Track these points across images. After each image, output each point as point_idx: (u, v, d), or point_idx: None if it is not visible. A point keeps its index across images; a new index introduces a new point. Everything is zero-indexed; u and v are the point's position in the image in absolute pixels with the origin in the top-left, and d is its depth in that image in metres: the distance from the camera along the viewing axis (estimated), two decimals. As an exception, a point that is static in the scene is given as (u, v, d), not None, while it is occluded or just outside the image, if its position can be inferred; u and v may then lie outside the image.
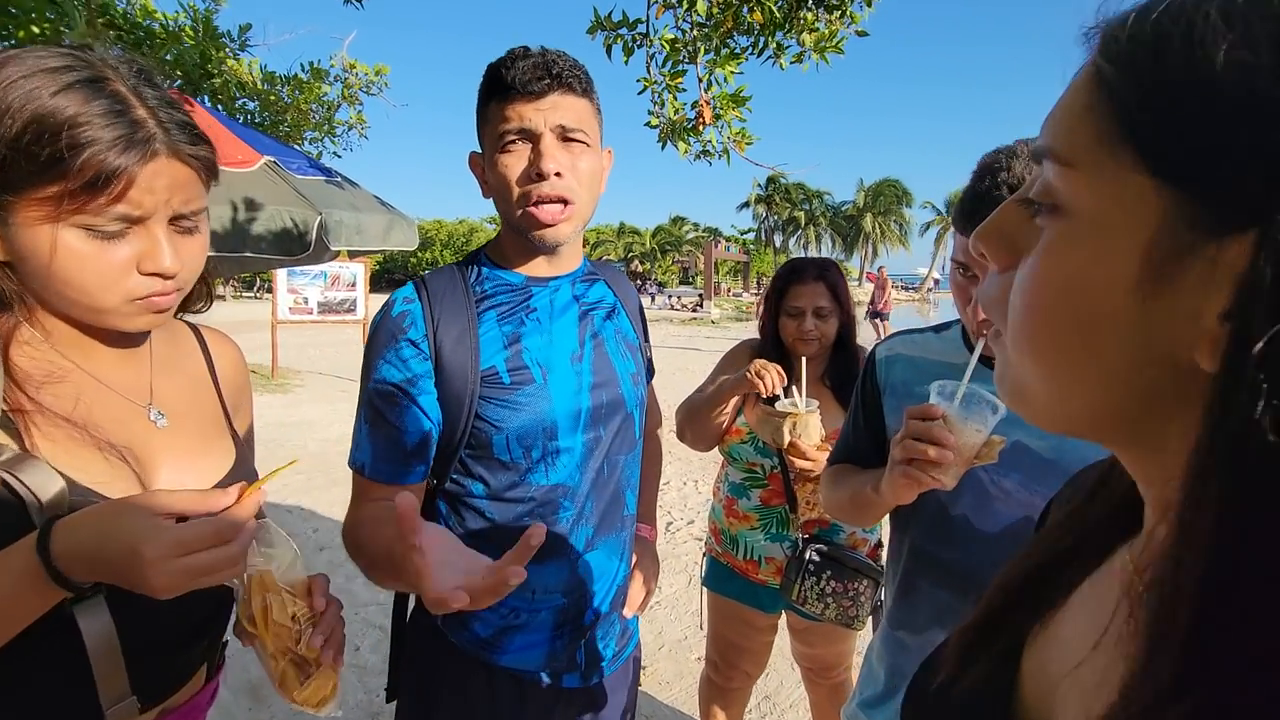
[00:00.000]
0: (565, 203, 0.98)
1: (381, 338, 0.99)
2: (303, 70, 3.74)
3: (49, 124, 0.61)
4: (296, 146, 3.80)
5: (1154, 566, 0.31)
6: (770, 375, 1.53)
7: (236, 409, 0.93)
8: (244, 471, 0.83)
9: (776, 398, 1.56)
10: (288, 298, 9.09)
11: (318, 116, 3.97)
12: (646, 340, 1.26)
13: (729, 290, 44.51)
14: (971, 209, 0.91)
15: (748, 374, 1.55)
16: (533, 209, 0.97)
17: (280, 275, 8.96)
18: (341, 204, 3.05)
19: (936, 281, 57.92)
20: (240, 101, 3.61)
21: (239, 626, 0.78)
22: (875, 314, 14.36)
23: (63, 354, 0.72)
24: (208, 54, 3.23)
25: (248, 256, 2.52)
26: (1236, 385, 0.24)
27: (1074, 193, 0.31)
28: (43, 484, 0.63)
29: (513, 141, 0.95)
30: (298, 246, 2.66)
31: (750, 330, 14.09)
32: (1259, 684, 0.24)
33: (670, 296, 36.31)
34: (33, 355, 0.69)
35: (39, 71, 0.63)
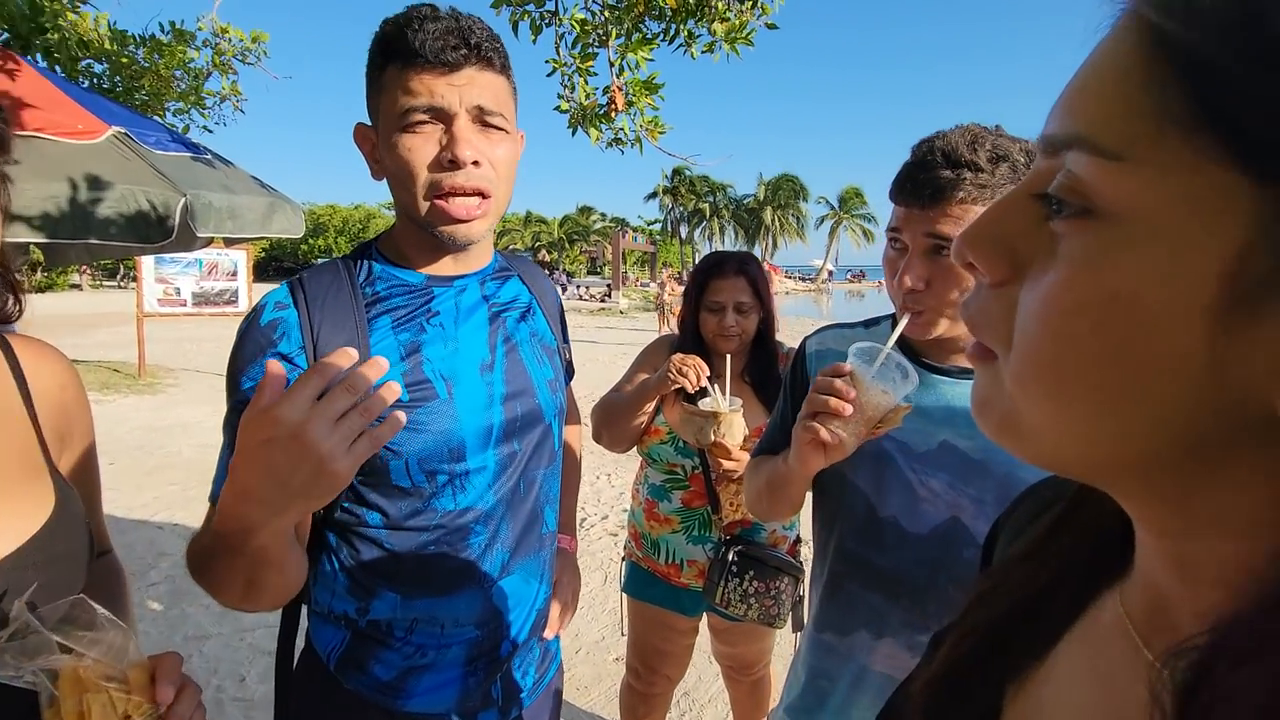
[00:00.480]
0: (482, 195, 0.86)
1: (247, 350, 0.84)
2: (163, 31, 3.30)
3: None
4: (156, 118, 3.36)
5: (1198, 647, 0.25)
6: (692, 371, 1.47)
7: (64, 438, 0.75)
8: (69, 518, 0.66)
9: (699, 396, 1.50)
10: (156, 288, 8.21)
11: (183, 85, 3.53)
12: (565, 341, 1.15)
13: (637, 280, 44.81)
14: (906, 175, 0.90)
15: (669, 371, 1.49)
16: (443, 201, 0.84)
17: (146, 263, 8.08)
18: (212, 185, 2.71)
19: (831, 273, 61.08)
20: (85, 63, 3.14)
21: None
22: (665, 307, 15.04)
23: None
24: (39, 5, 2.77)
25: (94, 243, 2.17)
26: None
27: (1126, 192, 0.24)
28: None
29: (421, 121, 0.82)
30: (157, 232, 2.33)
31: (656, 319, 14.24)
32: None
33: (579, 287, 36.13)
34: None
35: None
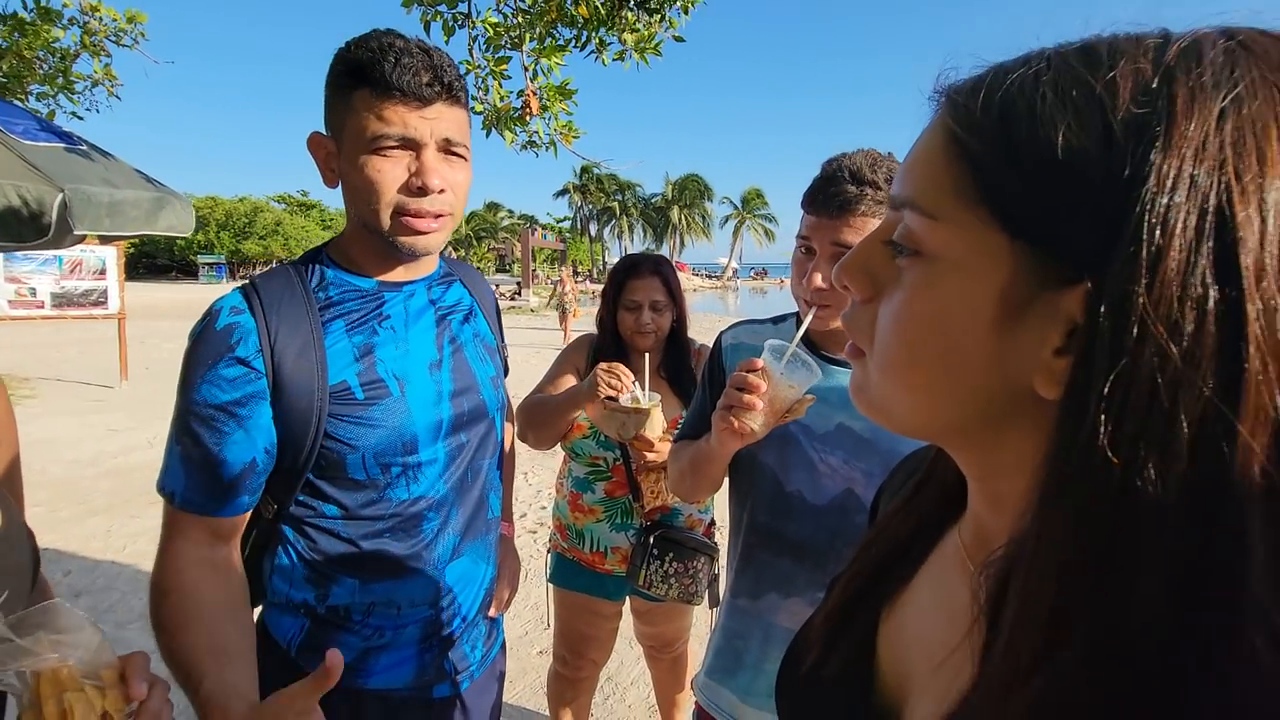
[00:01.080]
0: (440, 216, 0.93)
1: (202, 353, 0.86)
2: (25, 8, 3.00)
3: None
4: (18, 102, 3.06)
5: (1000, 556, 0.37)
6: (620, 379, 1.57)
7: None
8: (15, 529, 0.66)
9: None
10: (6, 288, 7.32)
11: (48, 67, 3.22)
12: (503, 340, 1.23)
13: (547, 278, 44.39)
14: (817, 188, 1.05)
15: (597, 382, 1.58)
16: (409, 219, 0.90)
17: (-7, 260, 7.19)
18: (91, 179, 2.51)
19: (735, 271, 63.08)
20: (-72, 39, 2.82)
21: None
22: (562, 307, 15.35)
23: None
24: (-128, -27, 2.46)
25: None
26: (1081, 412, 0.29)
27: (939, 241, 0.35)
28: None
29: (391, 147, 0.87)
30: (30, 231, 2.14)
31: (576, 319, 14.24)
32: (1101, 658, 0.30)
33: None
34: None
35: None
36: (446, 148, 0.90)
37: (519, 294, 29.44)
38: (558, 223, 61.83)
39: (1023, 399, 0.34)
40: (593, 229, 60.24)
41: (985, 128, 0.33)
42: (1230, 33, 0.32)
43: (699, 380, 1.34)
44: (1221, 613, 0.27)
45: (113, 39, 3.49)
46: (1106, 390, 0.28)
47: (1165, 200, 0.27)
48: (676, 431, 1.40)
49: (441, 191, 0.90)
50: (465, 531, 1.05)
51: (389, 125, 0.86)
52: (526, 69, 2.82)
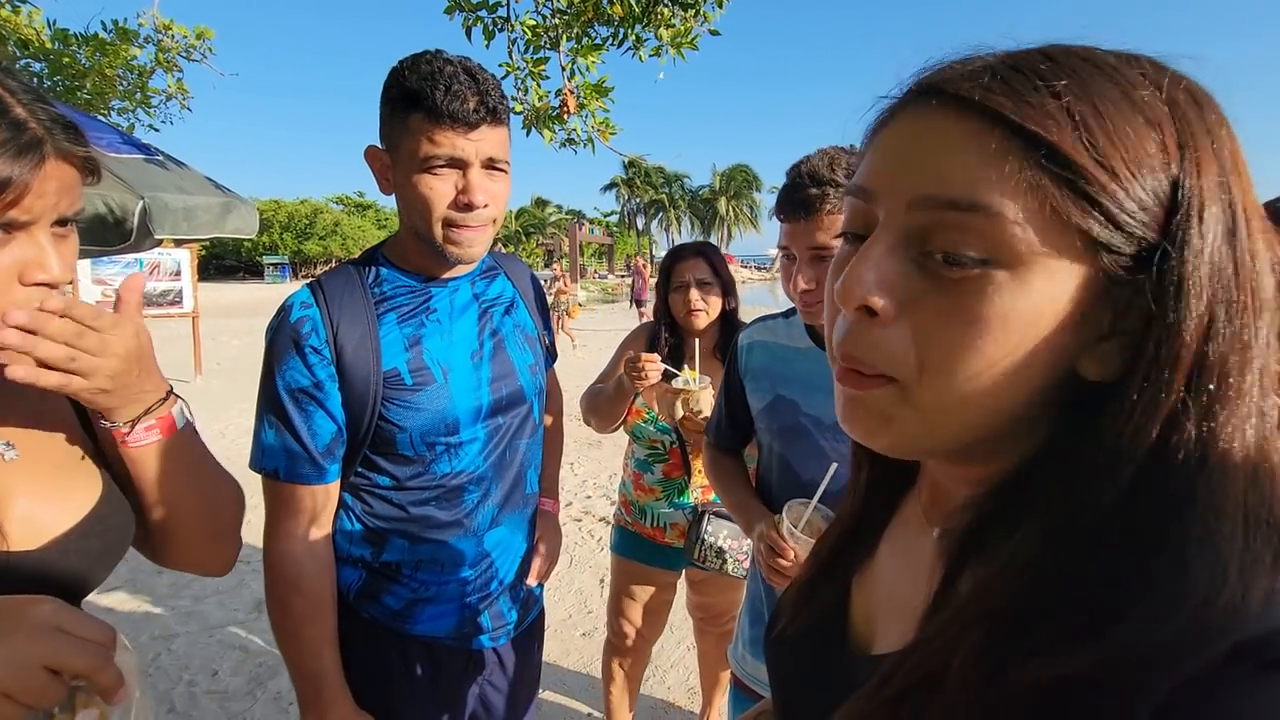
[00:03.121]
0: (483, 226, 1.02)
1: (281, 343, 1.00)
2: (105, 29, 3.25)
3: None
4: (101, 117, 3.32)
5: (970, 515, 0.40)
6: (647, 367, 1.64)
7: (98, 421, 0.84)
8: (114, 498, 0.76)
9: (674, 374, 1.67)
10: (94, 290, 7.89)
11: (126, 84, 3.48)
12: (547, 328, 1.31)
13: (594, 273, 44.73)
14: (784, 197, 1.10)
15: (626, 378, 1.66)
16: (455, 231, 1.00)
17: (83, 266, 7.75)
18: (167, 186, 2.71)
19: (787, 262, 61.90)
20: (23, 62, 3.08)
21: None
22: (637, 301, 15.22)
23: None
24: (-25, 4, 2.72)
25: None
26: (1148, 378, 0.32)
27: (1021, 246, 0.33)
28: None
29: (441, 166, 0.96)
30: (115, 236, 2.34)
31: (616, 311, 14.32)
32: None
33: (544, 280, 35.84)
34: None
35: None
36: (490, 165, 1.00)
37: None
38: (605, 217, 62.16)
39: (1059, 387, 0.35)
40: (640, 222, 60.31)
41: (1065, 140, 0.32)
42: (1176, 79, 0.35)
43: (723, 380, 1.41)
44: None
45: (184, 55, 3.73)
46: (1176, 361, 0.32)
47: (1203, 203, 0.33)
48: (707, 425, 1.47)
49: (485, 206, 0.99)
50: (504, 503, 1.15)
51: (439, 148, 0.95)
52: (564, 69, 2.89)
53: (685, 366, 1.67)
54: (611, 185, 59.08)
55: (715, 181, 58.33)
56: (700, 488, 1.89)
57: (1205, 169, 0.33)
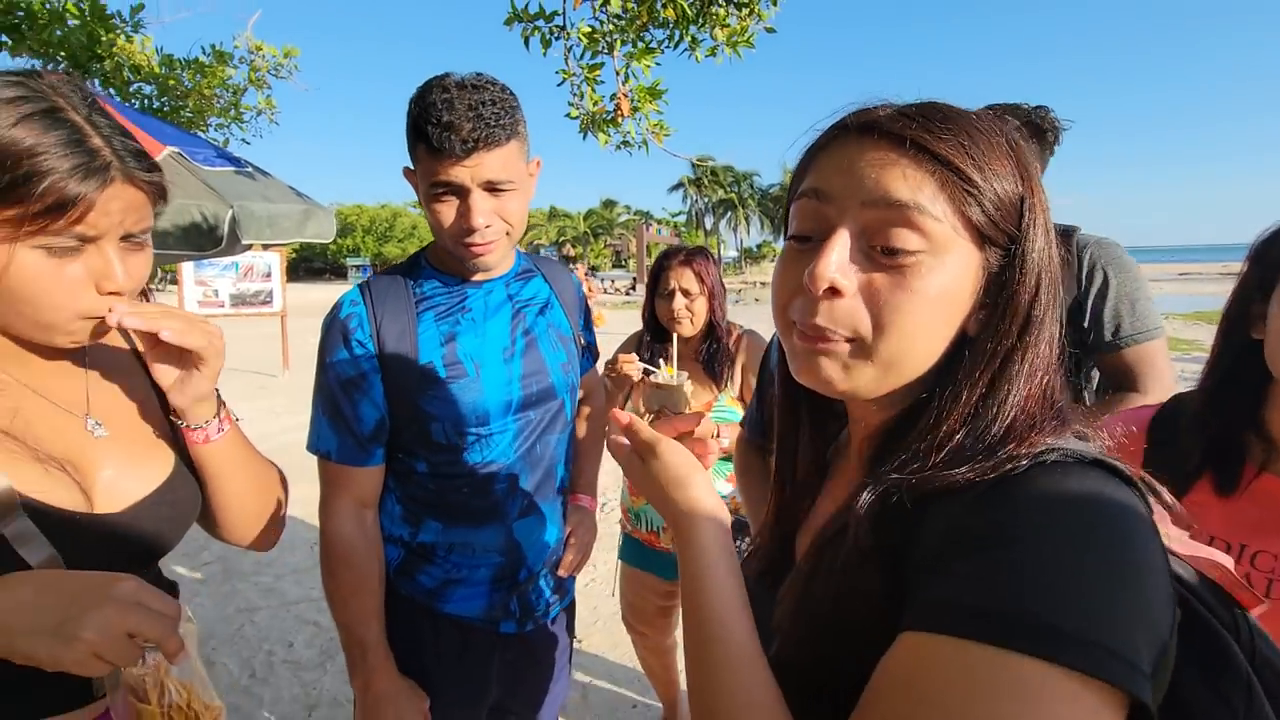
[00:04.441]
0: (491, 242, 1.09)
1: (333, 337, 1.10)
2: (204, 53, 3.56)
3: (9, 154, 0.64)
4: (200, 133, 3.63)
5: (888, 425, 0.55)
6: (624, 366, 1.71)
7: None
8: (183, 475, 0.87)
9: (653, 371, 1.71)
10: (195, 290, 8.60)
11: (223, 102, 3.79)
12: (587, 328, 1.37)
13: (661, 273, 44.70)
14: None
15: (607, 377, 1.73)
16: (466, 247, 1.07)
17: (186, 267, 8.46)
18: (254, 196, 2.95)
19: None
20: (135, 86, 3.42)
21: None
22: None
23: (3, 368, 0.75)
24: (96, 35, 3.04)
25: (155, 253, 2.42)
26: (998, 329, 0.51)
27: (943, 239, 0.49)
28: None
29: (443, 193, 1.04)
30: (208, 241, 2.57)
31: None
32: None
33: (602, 280, 36.31)
34: None
35: None
36: (490, 187, 1.04)
37: (634, 288, 30.05)
38: (673, 217, 62.21)
39: (955, 341, 0.52)
40: (708, 222, 60.00)
41: (965, 164, 0.49)
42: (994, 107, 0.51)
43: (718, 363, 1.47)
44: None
45: (273, 73, 4.02)
46: (1023, 322, 0.51)
47: (1036, 213, 0.51)
48: (744, 417, 1.49)
49: (489, 226, 1.05)
50: (533, 495, 1.20)
51: (437, 176, 1.02)
52: (618, 73, 2.95)
53: (660, 363, 1.70)
54: (678, 185, 59.03)
55: (786, 179, 57.24)
56: None
57: (1036, 190, 0.51)
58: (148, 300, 0.92)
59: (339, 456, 1.10)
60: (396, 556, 1.18)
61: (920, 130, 0.48)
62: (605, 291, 29.25)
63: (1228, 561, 0.49)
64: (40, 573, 0.67)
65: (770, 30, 3.12)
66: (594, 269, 48.87)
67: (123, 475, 0.80)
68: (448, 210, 1.05)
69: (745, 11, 3.00)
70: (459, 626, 1.18)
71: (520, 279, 1.23)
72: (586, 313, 1.39)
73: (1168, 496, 0.49)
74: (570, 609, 1.37)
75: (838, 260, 0.49)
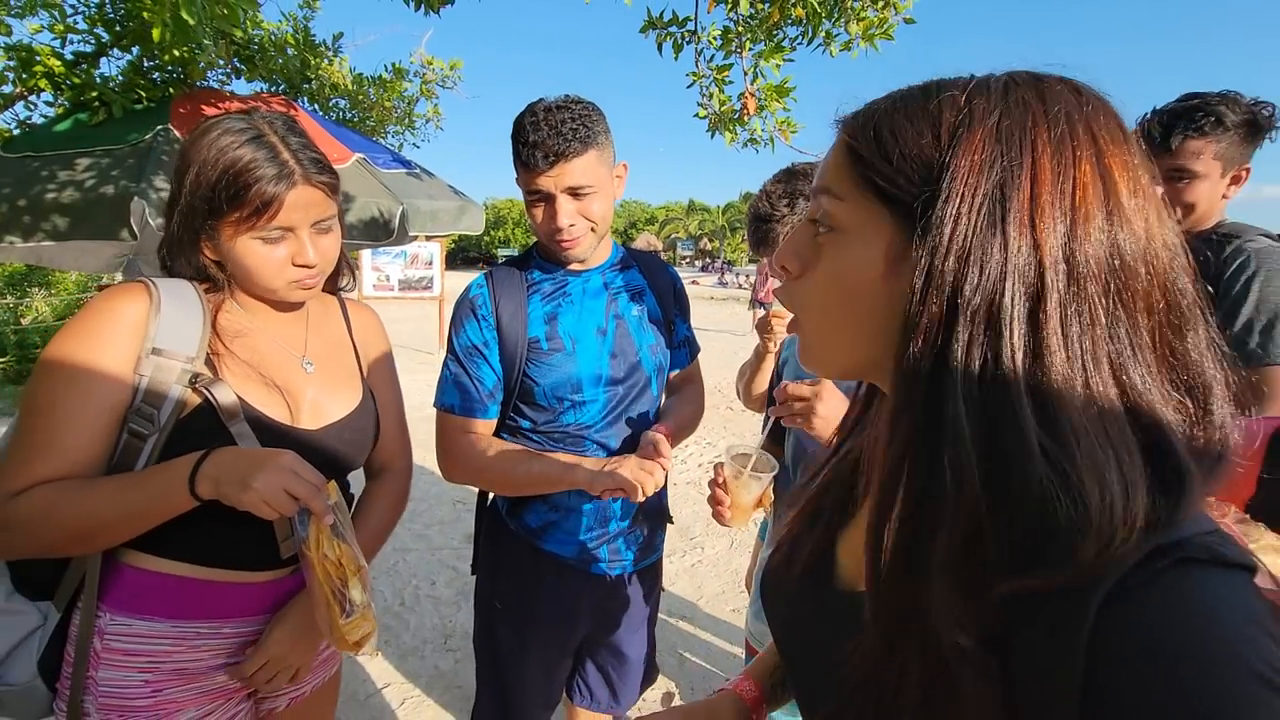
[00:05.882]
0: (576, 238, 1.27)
1: (463, 312, 1.34)
2: (387, 71, 4.10)
3: (233, 169, 0.92)
4: (380, 140, 4.19)
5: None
6: (774, 323, 1.65)
7: (369, 361, 1.22)
8: (366, 408, 1.14)
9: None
10: (371, 275, 9.74)
11: (399, 111, 4.34)
12: (682, 317, 1.51)
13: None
14: (749, 233, 1.46)
15: (759, 343, 1.77)
16: (556, 242, 1.27)
17: (365, 255, 9.58)
18: (420, 194, 3.39)
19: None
20: (333, 101, 4.02)
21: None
22: (759, 303, 13.99)
23: (249, 318, 1.04)
24: (307, 61, 3.63)
25: (342, 243, 2.89)
26: (918, 327, 0.43)
27: (845, 216, 0.48)
28: (225, 398, 0.95)
29: (535, 199, 1.24)
30: (382, 233, 3.02)
31: (740, 310, 13.88)
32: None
33: (737, 275, 35.96)
34: (229, 318, 1.02)
35: (225, 133, 0.94)
36: (573, 192, 1.22)
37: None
38: (812, 211, 60.02)
39: (893, 316, 0.46)
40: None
41: (867, 140, 0.48)
42: (1010, 73, 0.47)
43: None
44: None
45: (441, 84, 4.52)
46: (945, 303, 0.42)
47: (965, 179, 0.42)
48: None
49: (572, 224, 1.23)
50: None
51: (529, 185, 1.24)
52: (746, 73, 3.03)
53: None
54: (822, 178, 56.74)
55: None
56: None
57: (967, 149, 0.42)
58: (351, 275, 1.19)
59: (461, 410, 1.32)
60: (506, 499, 1.40)
61: (851, 126, 0.50)
62: (740, 286, 29.00)
63: None
64: (239, 448, 0.94)
65: (910, 21, 3.04)
66: (730, 264, 48.51)
67: (321, 402, 1.08)
68: (540, 213, 1.26)
69: (882, 4, 2.96)
70: (556, 563, 1.38)
71: (616, 269, 1.41)
72: (685, 305, 1.51)
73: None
74: (658, 564, 1.53)
75: (793, 241, 0.53)
